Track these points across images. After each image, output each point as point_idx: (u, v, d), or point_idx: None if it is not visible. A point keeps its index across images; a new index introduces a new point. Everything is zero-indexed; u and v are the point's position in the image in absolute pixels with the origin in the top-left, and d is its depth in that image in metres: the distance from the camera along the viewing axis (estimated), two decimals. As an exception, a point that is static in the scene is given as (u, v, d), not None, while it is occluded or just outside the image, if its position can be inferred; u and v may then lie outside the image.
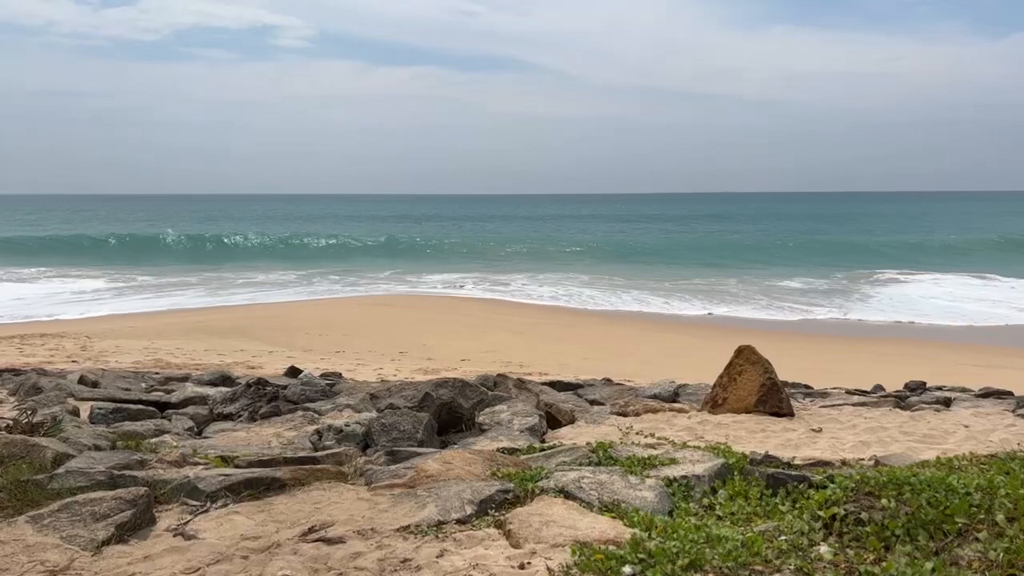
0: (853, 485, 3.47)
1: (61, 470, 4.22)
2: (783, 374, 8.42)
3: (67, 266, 36.15)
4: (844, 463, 5.48)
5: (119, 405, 7.24)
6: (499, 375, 8.83)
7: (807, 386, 10.24)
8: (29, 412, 5.91)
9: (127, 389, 8.71)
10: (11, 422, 5.59)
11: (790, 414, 7.87)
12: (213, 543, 3.39)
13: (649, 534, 3.26)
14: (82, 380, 8.88)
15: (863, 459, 5.86)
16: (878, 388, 10.18)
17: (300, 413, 7.26)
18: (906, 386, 10.18)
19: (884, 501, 3.27)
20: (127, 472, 4.23)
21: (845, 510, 3.29)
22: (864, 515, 3.23)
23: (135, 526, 3.52)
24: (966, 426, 7.43)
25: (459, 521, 3.54)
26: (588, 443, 5.00)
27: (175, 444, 5.68)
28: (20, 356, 12.99)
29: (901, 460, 5.25)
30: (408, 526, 3.49)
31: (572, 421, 7.60)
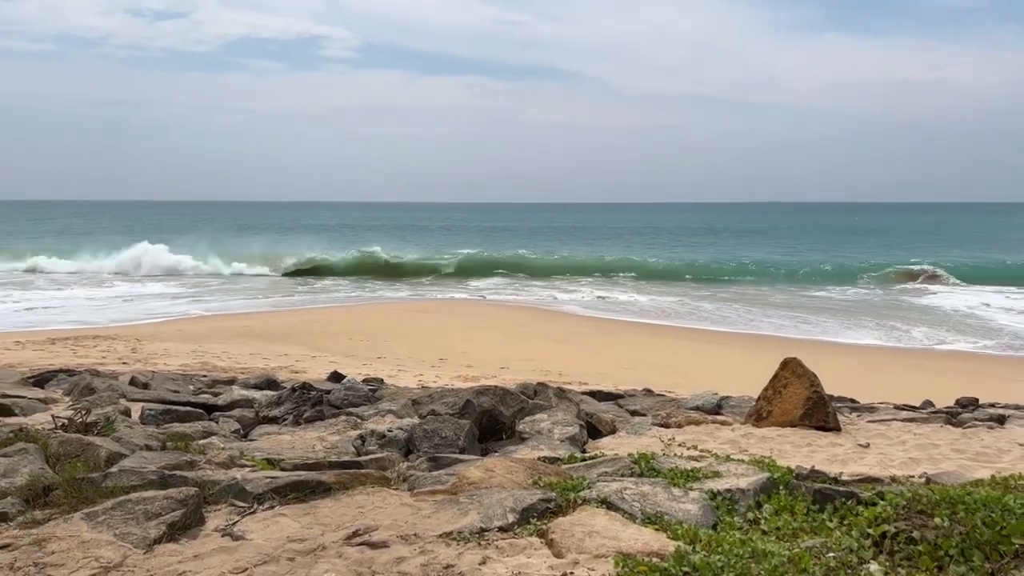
0: (904, 502, 3.39)
1: (114, 469, 4.34)
2: (828, 387, 8.26)
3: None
4: (893, 480, 5.35)
5: (168, 407, 7.41)
6: (539, 383, 8.81)
7: (853, 400, 10.02)
8: (83, 412, 6.10)
9: (176, 391, 8.92)
10: (66, 421, 5.77)
11: (836, 429, 7.71)
12: (260, 544, 3.45)
13: (693, 547, 3.22)
14: (133, 381, 9.12)
15: (913, 476, 5.72)
16: (927, 404, 9.92)
17: (343, 418, 7.35)
18: (957, 402, 9.90)
19: (937, 520, 3.19)
20: (177, 472, 4.33)
21: (896, 528, 3.21)
22: (916, 534, 3.15)
23: (185, 525, 3.60)
24: (1021, 444, 7.21)
25: (501, 529, 3.55)
26: (630, 454, 4.97)
27: (222, 446, 5.79)
28: (74, 357, 13.39)
29: (953, 478, 5.11)
30: (451, 532, 3.51)
31: (613, 431, 7.56)
